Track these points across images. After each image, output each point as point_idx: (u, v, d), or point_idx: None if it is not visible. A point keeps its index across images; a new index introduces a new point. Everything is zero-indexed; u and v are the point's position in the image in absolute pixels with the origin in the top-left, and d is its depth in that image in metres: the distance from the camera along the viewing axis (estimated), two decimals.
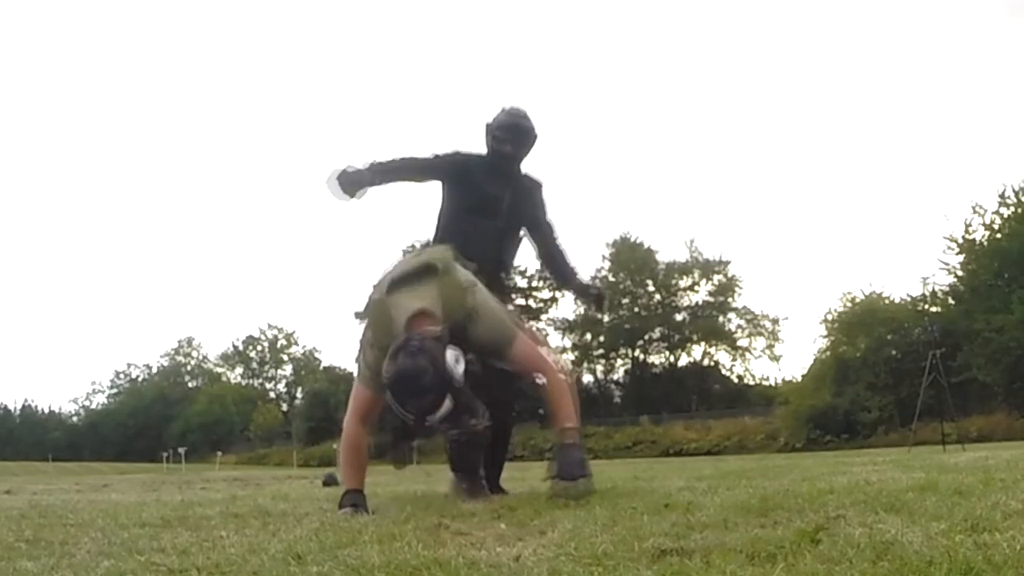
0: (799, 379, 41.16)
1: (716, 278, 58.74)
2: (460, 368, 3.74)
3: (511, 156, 5.47)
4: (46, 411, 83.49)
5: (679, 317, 59.30)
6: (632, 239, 58.78)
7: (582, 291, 5.93)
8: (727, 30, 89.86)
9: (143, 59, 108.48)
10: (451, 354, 3.74)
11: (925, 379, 17.18)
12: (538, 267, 61.59)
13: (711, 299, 59.04)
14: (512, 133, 5.45)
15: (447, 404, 3.67)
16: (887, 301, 34.73)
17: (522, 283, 61.66)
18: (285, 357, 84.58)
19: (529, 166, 5.62)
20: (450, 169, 5.41)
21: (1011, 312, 27.33)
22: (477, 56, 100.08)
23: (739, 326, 58.75)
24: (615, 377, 60.46)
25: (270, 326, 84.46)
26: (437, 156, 5.40)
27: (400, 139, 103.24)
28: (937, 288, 32.30)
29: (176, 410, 74.30)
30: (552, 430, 4.39)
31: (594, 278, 58.76)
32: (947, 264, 32.01)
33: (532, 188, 5.66)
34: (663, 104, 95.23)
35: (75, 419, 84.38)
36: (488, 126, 5.51)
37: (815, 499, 3.36)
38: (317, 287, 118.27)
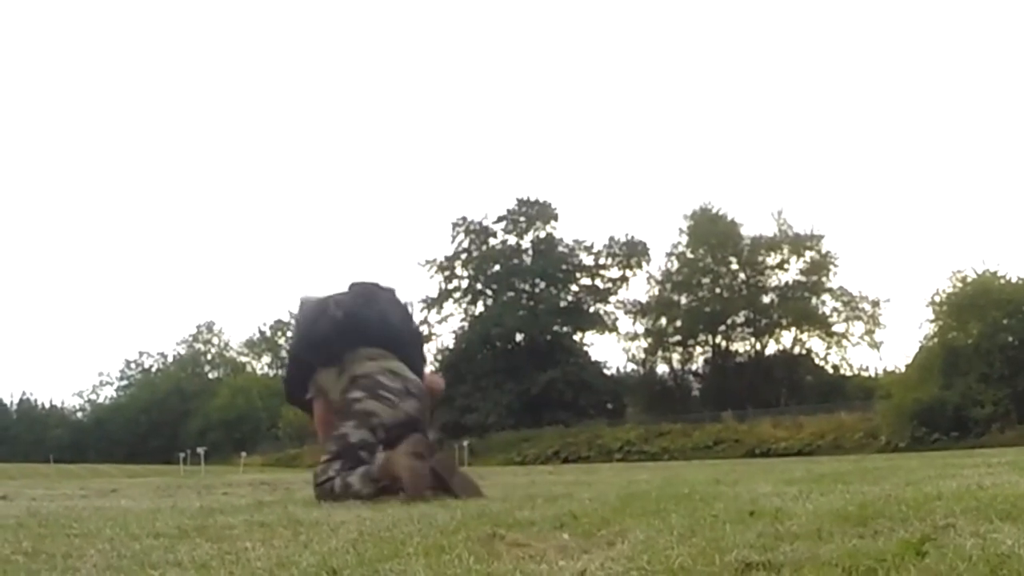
0: (902, 369, 40.81)
1: (808, 255, 58.29)
2: None
3: None
4: (46, 406, 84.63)
5: (766, 299, 58.98)
6: (713, 210, 58.48)
7: None
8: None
9: (166, 40, 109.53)
10: None
11: None
12: (606, 242, 61.73)
13: (802, 278, 58.61)
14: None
15: None
16: (1003, 281, 34.27)
17: (588, 260, 61.56)
18: None
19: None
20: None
21: None
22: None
23: (834, 309, 58.37)
24: (693, 367, 60.40)
25: None
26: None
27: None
28: None
29: (194, 405, 74.99)
30: None
31: (669, 255, 58.54)
32: None
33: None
34: (746, 61, 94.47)
35: (79, 415, 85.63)
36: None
37: (920, 506, 3.35)
38: (353, 263, 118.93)
